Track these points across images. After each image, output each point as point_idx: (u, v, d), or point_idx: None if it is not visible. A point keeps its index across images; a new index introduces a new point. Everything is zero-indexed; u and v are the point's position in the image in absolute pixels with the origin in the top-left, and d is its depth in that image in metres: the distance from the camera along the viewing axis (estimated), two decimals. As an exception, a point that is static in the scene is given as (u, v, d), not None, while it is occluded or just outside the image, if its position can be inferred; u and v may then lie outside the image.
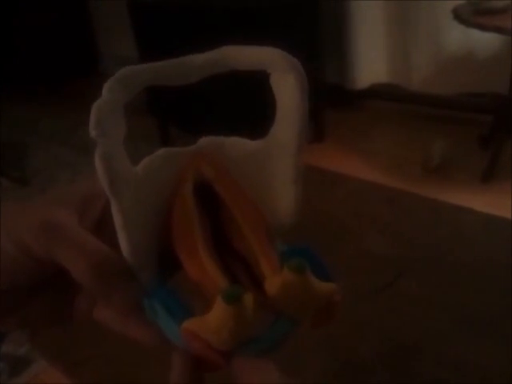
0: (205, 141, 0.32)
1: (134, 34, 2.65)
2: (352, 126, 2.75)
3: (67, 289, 0.33)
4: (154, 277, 0.30)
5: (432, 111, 2.79)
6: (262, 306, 0.27)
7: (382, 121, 2.87)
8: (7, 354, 1.57)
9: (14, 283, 0.30)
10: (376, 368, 0.57)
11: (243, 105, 2.33)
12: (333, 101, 2.74)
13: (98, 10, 3.68)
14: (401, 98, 2.91)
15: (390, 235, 0.77)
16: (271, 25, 2.30)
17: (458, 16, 2.17)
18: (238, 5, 2.28)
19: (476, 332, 0.61)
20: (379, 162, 2.45)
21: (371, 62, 2.83)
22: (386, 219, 0.80)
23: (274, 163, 0.31)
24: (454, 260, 0.71)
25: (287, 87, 0.29)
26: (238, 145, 0.32)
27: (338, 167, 0.90)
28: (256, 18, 2.30)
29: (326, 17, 2.69)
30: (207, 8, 2.30)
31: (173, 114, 2.53)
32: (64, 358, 0.64)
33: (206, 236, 0.30)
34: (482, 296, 0.65)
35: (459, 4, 2.23)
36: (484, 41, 2.46)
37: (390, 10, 2.70)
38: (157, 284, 0.29)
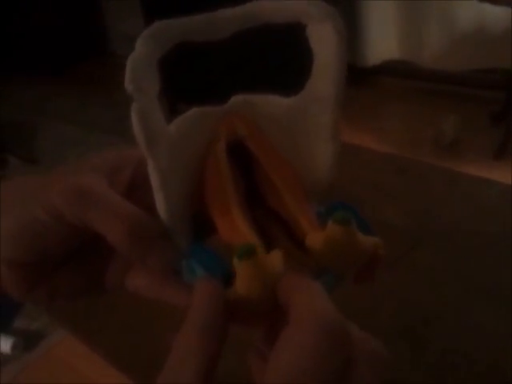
0: (237, 99, 0.31)
1: (142, 13, 2.64)
2: (363, 104, 2.73)
3: (98, 258, 0.32)
4: (190, 238, 0.29)
5: (444, 88, 2.77)
6: (303, 263, 0.27)
7: (393, 98, 2.85)
8: (21, 328, 1.59)
9: (47, 252, 0.30)
10: (392, 337, 0.58)
11: (255, 73, 2.32)
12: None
13: (105, -11, 3.66)
14: (412, 75, 2.88)
15: (405, 206, 0.76)
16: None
17: (471, -10, 2.13)
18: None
19: (492, 301, 0.61)
20: (391, 139, 2.43)
21: (382, 39, 2.81)
22: (400, 190, 0.80)
23: (310, 120, 0.30)
24: (468, 229, 0.71)
25: (325, 37, 0.28)
26: (271, 102, 0.31)
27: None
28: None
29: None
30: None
31: (182, 88, 2.53)
32: (80, 327, 0.65)
33: (239, 195, 0.29)
34: (497, 265, 0.65)
35: (472, -22, 2.20)
36: (496, 15, 2.43)
37: (401, -14, 2.66)
38: (193, 244, 0.29)
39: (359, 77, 2.89)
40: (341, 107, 0.29)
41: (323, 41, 0.28)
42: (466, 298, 0.61)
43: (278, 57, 2.32)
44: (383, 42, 2.82)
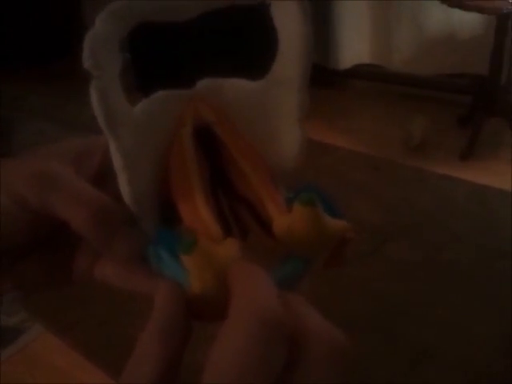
0: (203, 83, 0.30)
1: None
2: (334, 106, 2.75)
3: (65, 247, 0.31)
4: (157, 225, 0.28)
5: (413, 91, 2.80)
6: (272, 249, 0.27)
7: (363, 101, 2.87)
8: (-3, 324, 1.56)
9: (10, 239, 0.29)
10: (364, 331, 0.58)
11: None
12: (315, 81, 2.72)
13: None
14: (382, 78, 2.91)
15: (376, 202, 0.78)
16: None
17: (441, -4, 2.17)
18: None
19: (462, 295, 0.62)
20: (361, 141, 2.45)
21: (354, 43, 2.83)
22: (371, 186, 0.81)
23: (277, 102, 0.29)
24: (439, 225, 0.73)
25: (289, 14, 0.27)
26: (238, 86, 0.30)
27: (322, 144, 0.90)
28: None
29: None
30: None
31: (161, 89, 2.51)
32: (56, 320, 0.64)
33: (204, 181, 0.29)
34: (467, 260, 0.66)
35: (441, -16, 2.23)
36: (465, 21, 2.47)
37: (372, -10, 2.69)
38: (159, 230, 0.28)
39: (331, 79, 2.91)
40: (307, 88, 0.29)
41: (287, 18, 0.28)
42: (435, 292, 0.62)
43: (249, 39, 2.29)
44: (354, 46, 2.84)
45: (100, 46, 0.25)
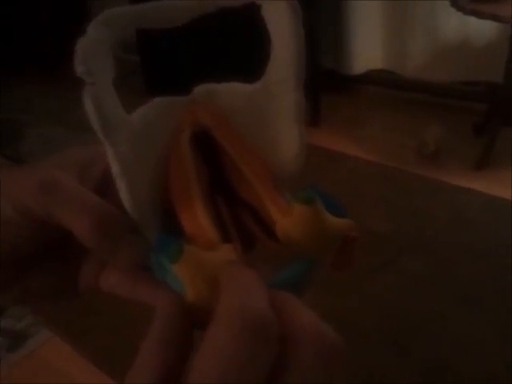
0: (200, 89, 0.30)
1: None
2: (347, 112, 2.75)
3: (70, 258, 0.31)
4: (160, 232, 0.28)
5: (427, 98, 2.79)
6: (276, 253, 0.27)
7: (377, 107, 2.87)
8: (6, 328, 1.57)
9: (15, 250, 0.29)
10: (376, 343, 0.58)
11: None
12: (328, 86, 2.74)
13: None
14: (396, 85, 2.91)
15: (390, 213, 0.77)
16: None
17: (455, 3, 2.17)
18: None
19: (476, 309, 0.61)
20: (374, 148, 2.45)
21: (367, 49, 2.83)
22: (385, 197, 0.80)
23: (273, 103, 0.29)
24: (453, 238, 0.72)
25: (280, 15, 0.28)
26: (235, 90, 0.30)
27: (334, 151, 0.90)
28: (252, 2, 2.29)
29: (323, 2, 2.68)
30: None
31: (171, 92, 2.53)
32: (67, 328, 0.64)
33: (203, 187, 0.29)
34: (481, 274, 0.66)
35: (457, -9, 2.23)
36: (480, 29, 2.46)
37: (387, -4, 2.70)
38: (159, 236, 0.27)
39: (343, 85, 2.91)
40: (302, 87, 0.29)
41: (279, 18, 0.28)
42: (449, 306, 0.62)
43: (243, 42, 2.31)
44: (368, 52, 2.84)
45: (92, 53, 0.26)
